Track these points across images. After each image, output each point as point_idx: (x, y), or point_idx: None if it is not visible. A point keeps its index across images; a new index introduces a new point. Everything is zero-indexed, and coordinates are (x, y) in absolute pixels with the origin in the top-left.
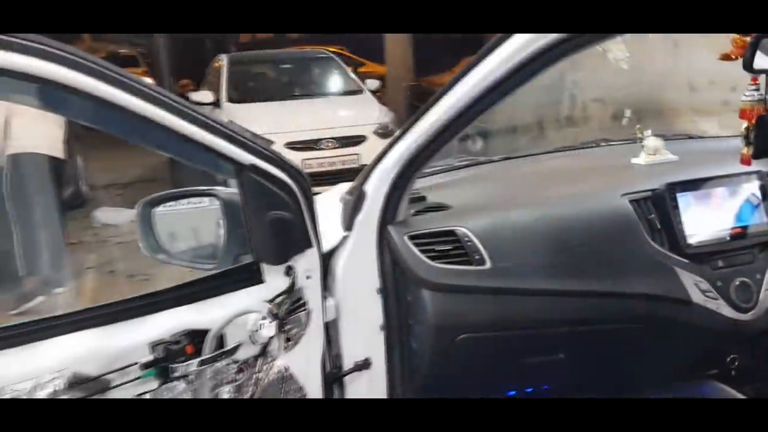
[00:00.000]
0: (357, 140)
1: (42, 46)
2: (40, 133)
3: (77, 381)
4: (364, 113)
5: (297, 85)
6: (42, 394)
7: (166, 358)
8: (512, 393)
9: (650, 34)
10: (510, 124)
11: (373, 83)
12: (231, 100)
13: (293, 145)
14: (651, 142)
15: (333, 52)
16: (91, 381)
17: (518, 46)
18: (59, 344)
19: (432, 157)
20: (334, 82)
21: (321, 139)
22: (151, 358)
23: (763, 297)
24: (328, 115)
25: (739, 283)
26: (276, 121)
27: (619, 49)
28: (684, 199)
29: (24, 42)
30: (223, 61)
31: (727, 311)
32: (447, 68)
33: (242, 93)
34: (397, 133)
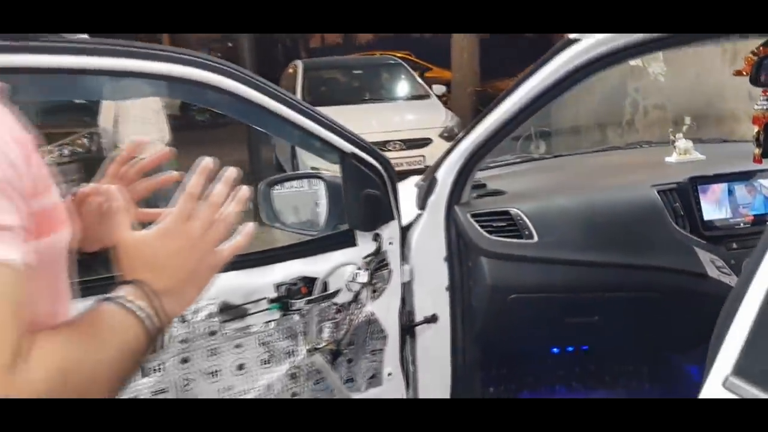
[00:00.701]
0: (423, 143)
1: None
2: (149, 137)
3: (225, 307)
4: (430, 117)
5: (367, 90)
6: (201, 316)
7: (286, 295)
8: (556, 351)
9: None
10: (574, 129)
11: (439, 89)
12: None
13: None
14: (681, 143)
15: (400, 57)
16: (234, 308)
17: (565, 60)
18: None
19: (490, 151)
20: (402, 87)
21: (388, 141)
22: (275, 295)
23: None
24: (395, 118)
25: None
26: (346, 124)
27: (657, 64)
28: (703, 191)
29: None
30: (297, 67)
31: None
32: (512, 74)
33: (315, 97)
34: (463, 131)
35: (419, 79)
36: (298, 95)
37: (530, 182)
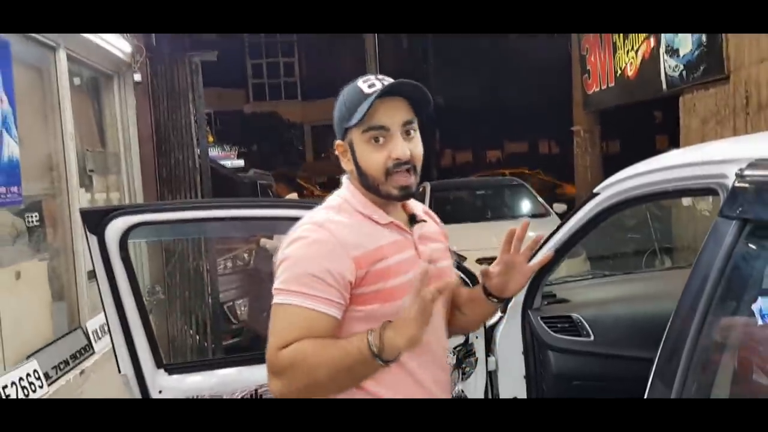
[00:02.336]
0: None
1: None
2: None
3: None
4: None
5: (490, 208)
6: None
7: None
8: None
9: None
10: (693, 248)
11: (560, 207)
12: None
13: (483, 261)
14: None
15: (529, 174)
16: None
17: (592, 206)
18: None
19: (550, 270)
20: (524, 205)
21: None
22: None
23: None
24: None
25: None
26: (469, 240)
27: (705, 203)
28: None
29: None
30: (426, 188)
31: None
32: None
33: (441, 215)
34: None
35: (540, 199)
36: None
37: (591, 293)
